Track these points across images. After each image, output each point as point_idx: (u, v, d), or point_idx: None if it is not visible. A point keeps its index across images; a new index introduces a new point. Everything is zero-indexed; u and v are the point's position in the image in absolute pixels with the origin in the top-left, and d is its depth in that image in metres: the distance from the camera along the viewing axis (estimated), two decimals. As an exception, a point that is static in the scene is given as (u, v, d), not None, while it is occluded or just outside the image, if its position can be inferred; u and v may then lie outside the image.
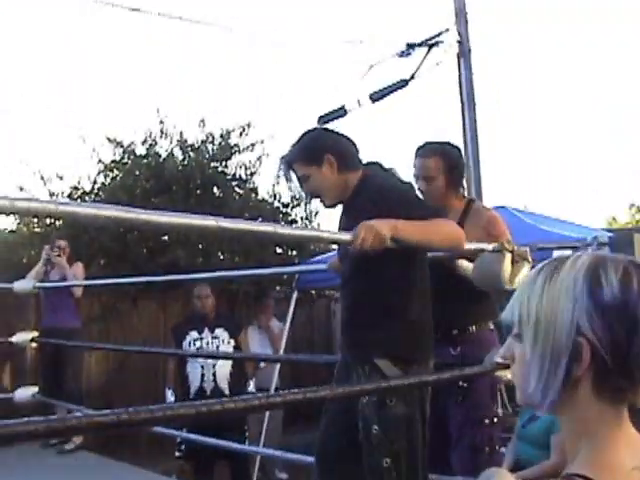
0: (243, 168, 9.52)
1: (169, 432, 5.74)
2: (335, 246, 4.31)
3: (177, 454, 6.24)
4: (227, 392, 6.22)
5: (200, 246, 8.65)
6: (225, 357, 6.47)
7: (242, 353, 6.77)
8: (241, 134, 9.50)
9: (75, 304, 6.98)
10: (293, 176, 3.29)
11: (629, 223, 22.09)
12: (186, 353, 6.40)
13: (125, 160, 9.22)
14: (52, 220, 8.56)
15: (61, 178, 9.09)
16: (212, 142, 9.39)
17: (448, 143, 3.93)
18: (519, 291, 1.22)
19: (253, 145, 9.51)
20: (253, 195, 9.47)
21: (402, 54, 9.85)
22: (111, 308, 8.26)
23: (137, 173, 8.94)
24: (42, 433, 1.53)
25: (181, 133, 9.32)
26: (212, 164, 9.19)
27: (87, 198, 8.83)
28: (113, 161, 9.25)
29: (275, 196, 9.47)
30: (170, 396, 6.39)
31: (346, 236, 2.63)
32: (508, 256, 3.15)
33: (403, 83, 9.46)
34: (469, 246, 3.16)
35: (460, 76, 9.80)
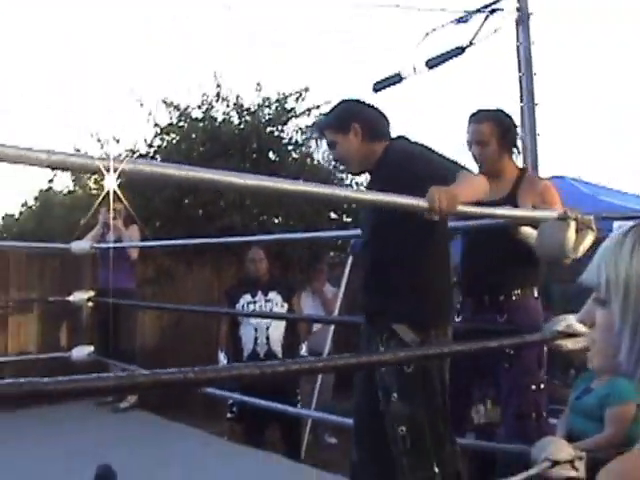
0: (299, 132, 9.49)
1: (221, 394, 5.79)
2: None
3: (228, 415, 6.30)
4: (280, 355, 6.25)
5: (255, 211, 8.65)
6: (277, 317, 6.48)
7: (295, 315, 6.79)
8: (298, 99, 9.46)
9: (130, 266, 7.05)
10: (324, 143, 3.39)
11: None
12: (239, 312, 6.43)
13: (181, 123, 9.24)
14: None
15: (117, 141, 9.14)
16: (269, 106, 9.37)
17: (501, 110, 3.97)
18: (603, 254, 1.17)
19: (310, 110, 9.47)
20: (309, 160, 9.44)
21: (460, 21, 9.74)
22: (166, 271, 8.31)
23: (193, 136, 8.95)
24: (112, 389, 1.54)
25: (238, 97, 9.30)
26: (268, 128, 9.17)
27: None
28: (169, 124, 9.27)
29: (330, 162, 9.42)
30: (222, 358, 6.43)
31: (422, 202, 2.58)
32: (572, 224, 3.10)
33: (460, 50, 9.37)
34: (533, 213, 3.14)
35: (518, 43, 9.67)
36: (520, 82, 9.58)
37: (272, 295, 6.45)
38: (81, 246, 6.81)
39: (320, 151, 9.61)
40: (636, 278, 1.09)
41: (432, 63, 9.52)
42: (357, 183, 9.56)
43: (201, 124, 9.11)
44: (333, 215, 9.35)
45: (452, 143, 4.12)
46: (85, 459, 4.93)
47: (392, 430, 3.07)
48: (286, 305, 6.48)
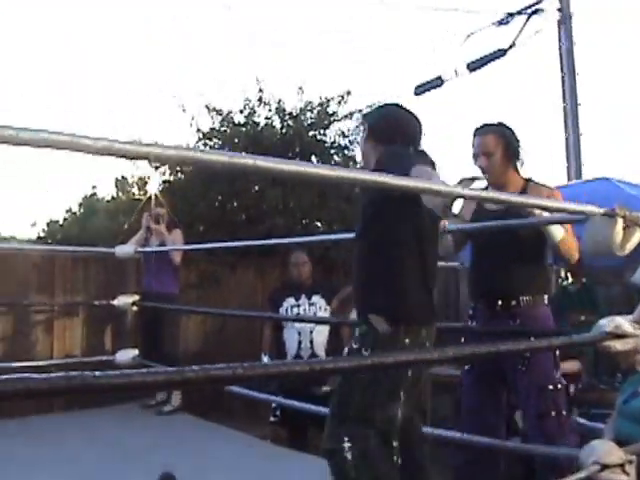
0: (342, 136, 9.48)
1: (265, 397, 5.79)
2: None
3: (272, 419, 6.28)
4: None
5: (298, 214, 8.65)
6: (321, 321, 6.46)
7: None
8: (340, 102, 9.45)
9: (174, 270, 7.07)
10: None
11: None
12: (282, 317, 6.42)
13: (224, 128, 9.27)
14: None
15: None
16: (311, 110, 9.37)
17: (503, 123, 4.09)
18: None
19: (352, 113, 9.46)
20: (351, 163, 9.41)
21: (501, 22, 9.69)
22: (209, 275, 8.32)
23: (236, 141, 8.98)
24: (162, 384, 1.53)
25: (279, 101, 9.31)
26: (310, 132, 9.17)
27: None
28: (212, 129, 9.31)
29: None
30: (266, 362, 6.42)
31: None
32: (620, 221, 3.04)
33: (501, 52, 9.31)
34: (576, 207, 3.09)
35: (560, 44, 9.59)
36: (562, 83, 9.50)
37: (316, 299, 6.44)
38: (125, 250, 6.86)
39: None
40: None
41: (474, 66, 9.48)
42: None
43: (243, 129, 9.13)
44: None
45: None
46: (130, 462, 4.96)
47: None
48: (329, 309, 6.47)
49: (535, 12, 9.36)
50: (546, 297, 3.94)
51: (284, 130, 9.14)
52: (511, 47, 9.29)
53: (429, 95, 9.89)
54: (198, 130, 9.25)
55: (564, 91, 9.57)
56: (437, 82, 9.77)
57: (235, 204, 8.74)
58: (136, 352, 6.75)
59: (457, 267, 9.96)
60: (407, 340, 3.03)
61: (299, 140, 8.90)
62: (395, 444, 3.05)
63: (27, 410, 6.15)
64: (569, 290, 7.19)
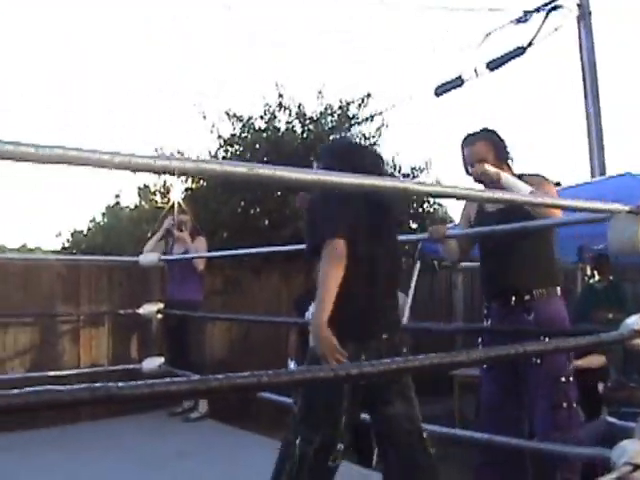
0: (362, 139, 9.45)
1: (291, 402, 5.78)
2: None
3: (301, 425, 6.27)
4: (349, 364, 6.21)
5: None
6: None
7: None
8: (360, 105, 9.44)
9: (198, 277, 7.08)
10: None
11: None
12: (307, 322, 6.40)
13: (245, 134, 9.27)
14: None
15: (182, 154, 9.21)
16: (331, 114, 9.36)
17: (486, 128, 4.15)
18: None
19: (372, 116, 9.44)
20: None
21: (519, 20, 9.64)
22: (233, 282, 8.32)
23: (257, 147, 8.98)
24: (187, 393, 1.52)
25: (300, 106, 9.31)
26: (331, 136, 9.15)
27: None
28: (232, 135, 9.32)
29: (395, 167, 9.37)
30: (293, 367, 6.40)
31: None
32: (644, 218, 3.01)
33: (521, 50, 9.26)
34: (600, 206, 3.05)
35: (580, 40, 9.52)
36: (583, 79, 9.44)
37: (339, 303, 6.41)
38: (149, 259, 6.88)
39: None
40: None
41: (493, 65, 9.44)
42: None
43: (264, 134, 9.13)
44: (399, 221, 9.31)
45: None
46: (158, 470, 4.96)
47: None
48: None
49: (554, 9, 9.30)
50: (558, 289, 3.97)
51: (305, 135, 9.12)
52: (530, 45, 9.24)
53: (450, 95, 9.87)
54: (219, 137, 9.27)
55: (585, 87, 9.50)
56: (457, 82, 9.74)
57: (258, 210, 8.74)
58: (162, 360, 6.77)
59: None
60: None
61: (320, 144, 8.88)
62: (339, 446, 3.24)
63: (55, 419, 6.18)
64: (596, 288, 7.13)
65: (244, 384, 1.63)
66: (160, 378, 1.51)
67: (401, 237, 7.43)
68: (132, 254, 7.14)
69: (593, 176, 9.00)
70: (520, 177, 3.99)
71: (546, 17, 9.22)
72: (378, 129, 9.44)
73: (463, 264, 9.45)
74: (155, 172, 1.56)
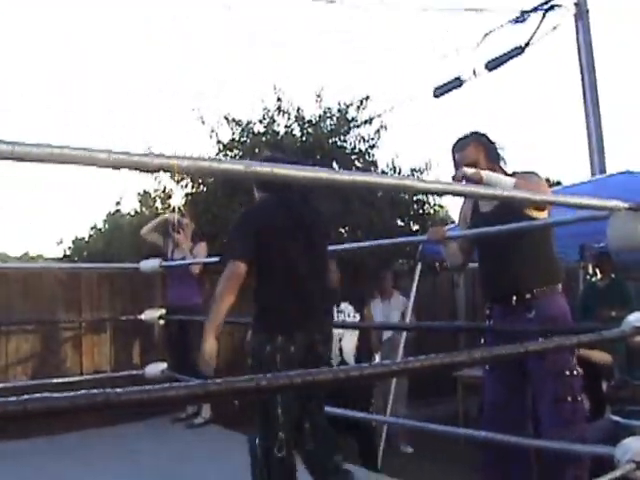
0: (362, 141, 9.44)
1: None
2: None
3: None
4: (353, 366, 6.21)
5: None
6: (349, 327, 6.45)
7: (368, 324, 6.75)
8: (359, 108, 9.42)
9: (196, 282, 7.08)
10: None
11: None
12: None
13: (244, 139, 9.26)
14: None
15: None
16: (330, 117, 9.34)
17: (474, 132, 4.15)
18: None
19: (372, 119, 9.42)
20: (373, 168, 9.36)
21: (517, 20, 9.64)
22: (235, 285, 8.29)
23: (256, 151, 8.96)
24: (185, 398, 1.51)
25: (298, 109, 9.29)
26: (330, 139, 9.14)
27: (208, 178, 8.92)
28: (232, 140, 9.30)
29: (395, 169, 9.35)
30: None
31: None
32: (644, 215, 3.00)
33: (519, 50, 9.26)
34: (600, 202, 3.03)
35: (578, 39, 9.51)
36: (582, 78, 9.43)
37: (344, 306, 6.43)
38: (150, 265, 6.87)
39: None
40: None
41: (492, 65, 9.44)
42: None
43: (264, 138, 9.11)
44: (400, 223, 9.28)
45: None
46: (162, 476, 4.96)
47: None
48: (358, 316, 6.44)
49: (551, 8, 9.30)
50: (559, 286, 3.95)
51: (304, 138, 9.11)
52: (528, 45, 9.24)
53: (449, 96, 9.87)
54: (218, 142, 9.25)
55: (584, 86, 9.49)
56: (456, 83, 9.74)
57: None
58: (165, 365, 6.76)
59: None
60: (267, 347, 3.74)
61: (319, 147, 8.86)
62: (280, 435, 3.73)
63: (58, 426, 6.18)
64: (598, 286, 7.12)
65: (243, 388, 1.63)
66: (162, 384, 1.51)
67: (401, 239, 7.50)
68: (133, 260, 7.12)
69: (593, 174, 8.99)
70: (512, 175, 3.97)
71: (544, 16, 9.22)
72: (377, 131, 9.41)
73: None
74: (153, 170, 1.55)
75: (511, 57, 9.29)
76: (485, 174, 3.77)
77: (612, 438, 3.41)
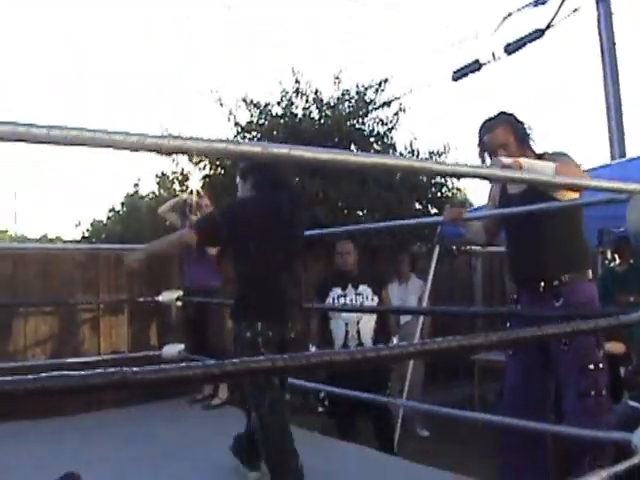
0: (380, 124, 9.40)
1: (312, 386, 5.79)
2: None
3: (320, 409, 6.29)
4: (371, 349, 6.20)
5: (339, 204, 8.60)
6: (367, 310, 6.44)
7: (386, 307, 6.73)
8: (377, 90, 9.39)
9: (214, 264, 7.08)
10: None
11: None
12: (327, 307, 6.42)
13: (262, 121, 9.25)
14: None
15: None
16: (348, 99, 9.32)
17: (502, 112, 4.06)
18: None
19: (390, 102, 9.39)
20: (391, 151, 9.33)
21: (537, 3, 9.56)
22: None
23: (274, 133, 8.95)
24: (201, 377, 1.51)
25: (317, 91, 9.27)
26: (349, 121, 9.11)
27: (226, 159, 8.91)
28: (250, 122, 9.29)
29: (413, 152, 9.31)
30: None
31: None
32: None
33: (539, 33, 9.20)
34: (618, 185, 2.98)
35: (599, 22, 9.42)
36: (602, 60, 9.34)
37: (362, 288, 6.41)
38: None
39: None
40: None
41: (511, 48, 9.39)
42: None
43: (282, 120, 9.10)
44: (418, 206, 9.26)
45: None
46: (177, 457, 4.98)
47: None
48: (376, 298, 6.42)
49: (572, -12, 9.22)
50: (589, 272, 3.89)
51: (322, 120, 9.08)
52: (549, 27, 9.18)
53: (468, 79, 9.83)
54: (236, 124, 9.24)
55: (604, 70, 9.40)
56: (475, 66, 9.71)
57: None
58: (182, 347, 6.78)
59: (502, 252, 9.94)
60: (248, 334, 4.02)
61: (338, 130, 8.84)
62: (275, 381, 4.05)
63: (76, 408, 6.23)
64: (616, 271, 7.07)
65: (259, 368, 1.62)
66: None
67: (418, 219, 7.47)
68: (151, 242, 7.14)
69: (613, 159, 8.93)
70: (541, 156, 3.90)
71: (564, -2, 9.15)
72: (396, 114, 9.38)
73: (481, 248, 9.46)
74: (168, 153, 1.55)
75: (531, 40, 9.24)
76: (525, 164, 3.63)
77: (630, 424, 3.39)
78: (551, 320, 3.46)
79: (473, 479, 4.33)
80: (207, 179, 8.98)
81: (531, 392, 3.92)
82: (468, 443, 6.39)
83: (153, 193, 10.89)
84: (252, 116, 9.29)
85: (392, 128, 9.41)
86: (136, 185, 11.34)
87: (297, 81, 9.21)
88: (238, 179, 4.55)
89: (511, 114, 4.03)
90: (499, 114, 4.04)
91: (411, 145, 9.37)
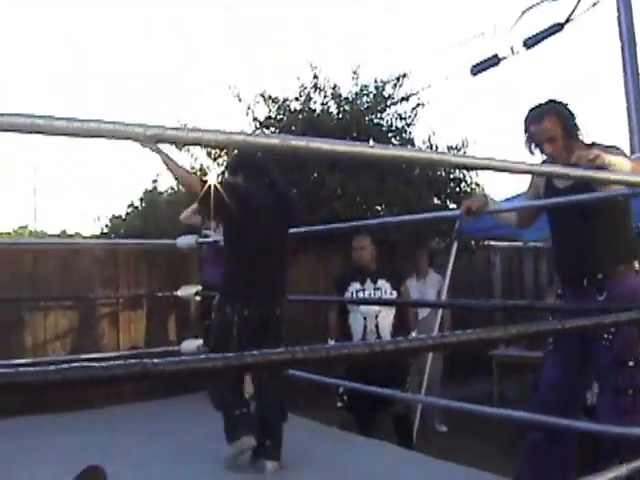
0: (399, 119, 9.39)
1: (332, 382, 5.78)
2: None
3: (339, 404, 6.29)
4: (389, 343, 6.19)
5: (358, 199, 8.59)
6: (385, 303, 6.43)
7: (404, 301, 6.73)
8: (395, 85, 9.37)
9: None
10: None
11: None
12: (346, 300, 6.42)
13: (280, 116, 9.25)
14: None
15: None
16: (367, 94, 9.30)
17: (551, 100, 3.90)
18: None
19: (408, 97, 9.37)
20: (409, 146, 9.31)
21: (556, -4, 9.49)
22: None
23: (293, 128, 8.94)
24: (221, 370, 1.51)
25: (335, 86, 9.26)
26: (367, 116, 9.09)
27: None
28: (268, 117, 9.29)
29: (432, 146, 9.28)
30: (330, 346, 6.40)
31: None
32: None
33: (558, 27, 9.13)
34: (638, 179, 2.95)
35: (619, 16, 9.34)
36: (622, 53, 9.26)
37: (381, 283, 6.41)
38: (186, 241, 6.89)
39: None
40: None
41: (530, 42, 9.33)
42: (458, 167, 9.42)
43: (300, 116, 9.09)
44: (436, 201, 9.22)
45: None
46: (196, 451, 4.99)
47: None
48: (395, 293, 6.42)
49: (591, -18, 9.15)
50: (636, 263, 3.74)
51: (340, 115, 9.08)
52: (568, 21, 9.12)
53: (486, 74, 9.79)
54: (255, 119, 9.24)
55: (624, 64, 9.32)
56: (493, 61, 9.66)
57: (294, 191, 8.73)
58: (201, 342, 6.79)
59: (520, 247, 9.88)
60: (227, 309, 4.51)
61: (356, 125, 8.82)
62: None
63: (97, 401, 6.26)
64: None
65: (278, 360, 1.63)
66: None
67: (436, 213, 7.44)
68: (170, 237, 7.16)
69: (632, 152, 8.86)
70: (592, 145, 3.76)
71: (583, -9, 9.08)
72: (414, 109, 9.36)
73: (500, 244, 9.40)
74: (187, 144, 1.55)
75: (550, 34, 9.17)
76: (610, 160, 3.36)
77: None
78: (590, 313, 3.39)
79: (493, 475, 4.31)
80: (225, 174, 8.98)
81: (569, 389, 3.84)
82: (487, 439, 6.38)
83: (172, 189, 10.92)
84: (270, 111, 9.29)
85: (410, 123, 9.40)
86: (155, 181, 11.36)
87: (315, 76, 9.20)
88: (227, 174, 4.94)
89: (561, 103, 3.89)
90: (548, 102, 3.89)
91: (429, 140, 9.35)
